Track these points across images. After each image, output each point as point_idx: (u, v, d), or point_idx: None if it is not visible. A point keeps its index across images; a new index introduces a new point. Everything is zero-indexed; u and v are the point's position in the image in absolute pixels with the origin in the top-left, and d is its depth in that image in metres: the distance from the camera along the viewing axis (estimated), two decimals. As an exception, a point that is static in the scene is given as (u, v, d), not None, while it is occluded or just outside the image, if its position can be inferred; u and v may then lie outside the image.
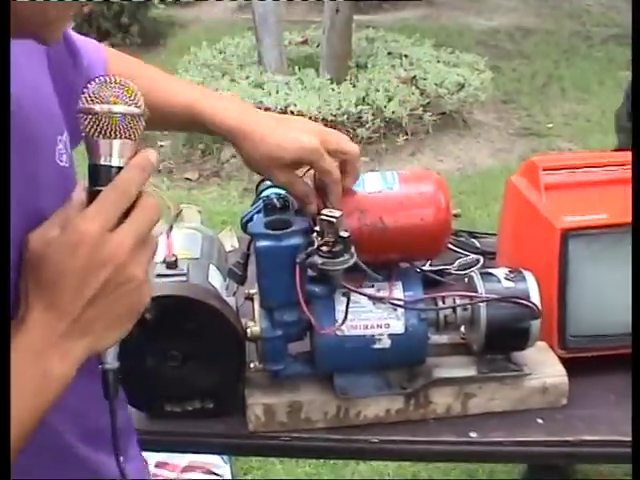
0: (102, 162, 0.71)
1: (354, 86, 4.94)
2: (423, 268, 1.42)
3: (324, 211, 1.06)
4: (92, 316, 0.69)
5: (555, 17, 7.52)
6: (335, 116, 4.64)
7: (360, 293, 1.13)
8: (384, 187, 1.15)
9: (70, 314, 0.68)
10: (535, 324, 1.17)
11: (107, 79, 0.71)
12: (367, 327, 1.14)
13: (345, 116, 4.67)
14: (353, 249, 1.07)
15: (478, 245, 1.65)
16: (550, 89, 5.80)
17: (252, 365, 1.17)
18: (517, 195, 1.39)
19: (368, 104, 4.76)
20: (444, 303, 1.17)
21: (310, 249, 1.06)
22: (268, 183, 1.20)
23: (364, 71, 5.20)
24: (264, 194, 1.18)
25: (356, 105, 4.71)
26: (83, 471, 0.85)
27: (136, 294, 0.71)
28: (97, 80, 0.71)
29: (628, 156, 1.29)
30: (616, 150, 2.30)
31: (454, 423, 1.20)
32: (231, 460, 2.38)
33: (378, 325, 1.14)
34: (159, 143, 4.79)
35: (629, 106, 2.30)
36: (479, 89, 5.11)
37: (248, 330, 1.14)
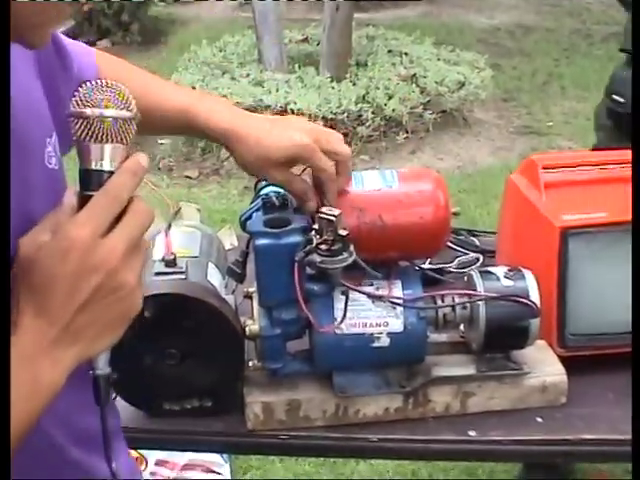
0: (93, 167, 0.71)
1: (354, 84, 4.94)
2: (422, 266, 1.41)
3: (323, 209, 1.06)
4: (83, 322, 0.68)
5: (555, 15, 7.52)
6: (335, 114, 4.64)
7: (359, 291, 1.13)
8: (383, 185, 1.14)
9: (61, 320, 0.68)
10: (534, 323, 1.17)
11: (98, 83, 0.70)
12: (366, 325, 1.14)
13: (345, 114, 4.66)
14: (352, 247, 1.07)
15: (478, 243, 1.64)
16: (550, 87, 5.80)
17: (251, 363, 1.17)
18: (517, 194, 1.39)
19: (368, 102, 4.76)
20: (443, 301, 1.17)
21: (309, 247, 1.06)
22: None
23: (364, 69, 5.20)
24: (263, 192, 1.18)
25: (356, 103, 4.70)
26: (76, 473, 0.85)
27: (128, 300, 0.70)
28: (88, 84, 0.70)
29: (628, 154, 1.29)
30: (594, 149, 2.29)
31: (453, 422, 1.19)
32: (231, 458, 2.38)
33: (377, 323, 1.14)
34: (159, 141, 4.78)
35: (608, 103, 2.29)
36: (479, 87, 5.11)
37: (247, 328, 1.14)
